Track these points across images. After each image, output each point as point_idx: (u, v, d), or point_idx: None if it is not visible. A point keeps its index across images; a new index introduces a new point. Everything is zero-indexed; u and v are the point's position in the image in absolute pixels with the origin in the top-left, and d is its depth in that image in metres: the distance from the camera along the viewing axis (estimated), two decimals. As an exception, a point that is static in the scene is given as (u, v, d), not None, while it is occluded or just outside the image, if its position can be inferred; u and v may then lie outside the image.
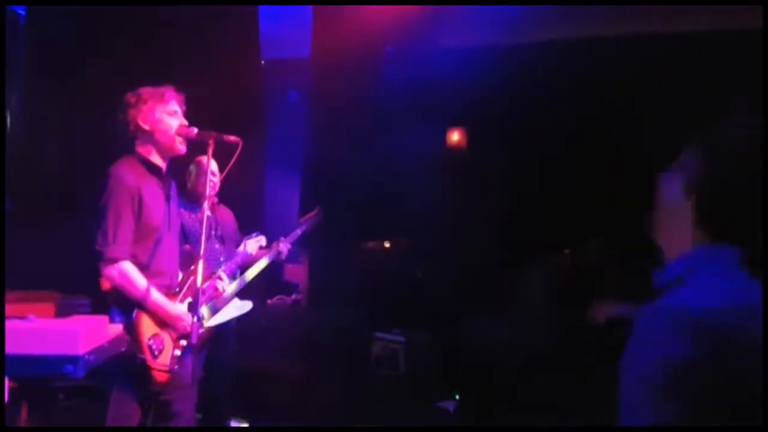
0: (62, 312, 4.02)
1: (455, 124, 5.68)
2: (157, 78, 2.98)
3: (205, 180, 3.28)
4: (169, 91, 2.89)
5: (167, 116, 2.86)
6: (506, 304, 5.10)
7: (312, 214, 4.16)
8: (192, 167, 3.87)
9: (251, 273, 3.74)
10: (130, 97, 2.86)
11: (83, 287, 3.87)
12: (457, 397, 4.44)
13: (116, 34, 4.13)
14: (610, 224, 4.73)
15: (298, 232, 4.05)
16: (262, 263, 3.84)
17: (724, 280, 1.10)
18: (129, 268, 2.75)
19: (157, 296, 2.80)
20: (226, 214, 4.04)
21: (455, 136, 5.72)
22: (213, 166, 3.63)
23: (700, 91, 4.49)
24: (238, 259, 3.71)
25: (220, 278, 3.38)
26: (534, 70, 5.01)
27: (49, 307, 3.91)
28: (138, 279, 2.75)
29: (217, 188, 3.79)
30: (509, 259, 5.17)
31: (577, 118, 4.96)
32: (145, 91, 2.87)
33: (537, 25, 5.02)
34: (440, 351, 4.91)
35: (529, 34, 5.11)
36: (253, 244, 3.85)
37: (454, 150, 5.74)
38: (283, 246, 3.95)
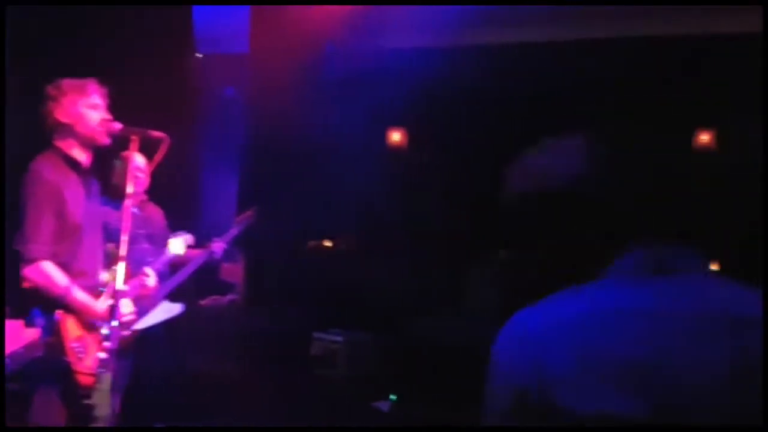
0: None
1: (396, 123, 5.67)
2: (85, 72, 2.87)
3: (130, 173, 3.20)
4: (92, 84, 2.80)
5: (88, 109, 2.76)
6: (446, 304, 5.11)
7: (247, 214, 4.08)
8: (117, 162, 3.71)
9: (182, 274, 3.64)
10: (51, 90, 2.77)
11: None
12: (393, 397, 4.42)
13: (44, 27, 3.95)
14: (554, 224, 4.76)
15: (234, 232, 3.96)
16: (193, 264, 3.74)
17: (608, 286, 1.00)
18: (49, 267, 2.65)
19: (80, 296, 2.71)
20: (155, 213, 3.90)
21: (396, 136, 5.70)
22: (139, 161, 3.51)
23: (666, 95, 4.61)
24: (165, 259, 3.59)
25: (146, 275, 3.27)
26: (477, 71, 5.04)
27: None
28: (59, 279, 2.66)
29: (145, 185, 3.66)
30: (449, 259, 5.18)
31: (523, 118, 5.00)
32: (66, 83, 2.78)
33: (481, 26, 5.05)
34: (379, 351, 4.89)
35: (472, 35, 5.13)
36: (178, 243, 3.71)
37: (396, 149, 5.73)
38: (217, 247, 3.85)
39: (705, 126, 4.82)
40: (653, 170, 1.04)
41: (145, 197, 3.75)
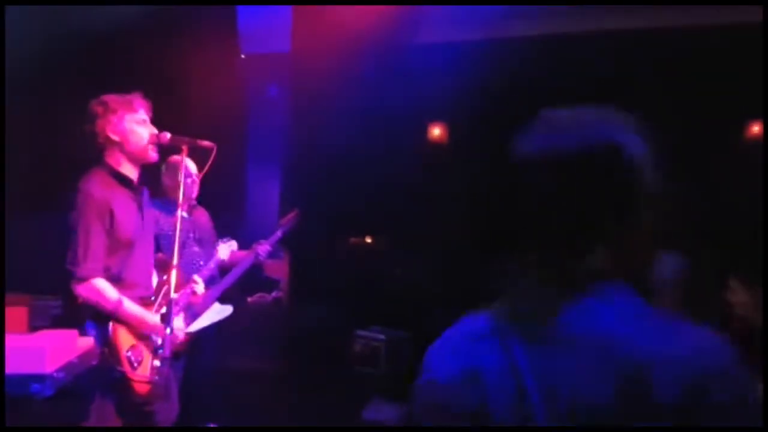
0: (36, 315, 3.95)
1: (437, 120, 5.62)
2: (131, 79, 2.90)
3: (181, 180, 3.29)
4: (137, 99, 2.81)
5: (137, 126, 2.79)
6: (488, 302, 5.07)
7: (291, 215, 4.10)
8: (165, 167, 3.77)
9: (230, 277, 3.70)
10: (97, 107, 2.77)
11: (55, 287, 3.78)
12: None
13: (84, 34, 3.97)
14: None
15: (278, 234, 4.00)
16: (241, 267, 3.79)
17: None
18: (101, 284, 2.70)
19: (132, 308, 2.76)
20: (202, 215, 3.97)
21: (437, 133, 5.66)
22: (191, 167, 3.57)
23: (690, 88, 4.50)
24: (212, 265, 3.65)
25: (195, 282, 3.33)
26: (518, 65, 4.96)
27: (22, 311, 3.83)
28: (110, 294, 2.71)
29: (195, 190, 3.71)
30: (491, 256, 5.13)
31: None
32: (112, 99, 2.78)
33: (520, 19, 4.97)
34: (421, 349, 4.89)
35: (512, 28, 5.05)
36: (225, 249, 3.79)
37: (437, 146, 5.69)
38: (262, 249, 3.90)
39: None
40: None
41: (194, 201, 3.81)
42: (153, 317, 2.82)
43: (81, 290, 2.69)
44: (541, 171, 1.02)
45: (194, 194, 3.71)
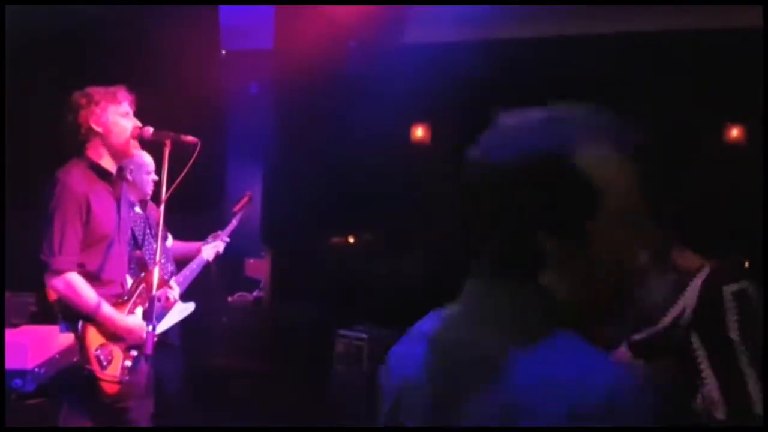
0: (13, 311, 3.87)
1: (419, 119, 5.63)
2: (111, 73, 2.86)
3: (147, 178, 3.25)
4: (121, 92, 2.76)
5: (120, 118, 2.74)
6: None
7: (244, 201, 3.96)
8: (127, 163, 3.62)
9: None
10: (80, 98, 2.71)
11: (32, 283, 3.68)
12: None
13: (65, 27, 3.90)
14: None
15: (234, 223, 3.86)
16: (200, 263, 3.66)
17: None
18: (75, 279, 2.63)
19: (105, 309, 2.68)
20: (154, 211, 3.85)
21: (419, 132, 5.67)
22: (150, 163, 3.46)
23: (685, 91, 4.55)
24: (194, 266, 3.55)
25: (170, 287, 3.24)
26: (500, 66, 4.98)
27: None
28: (85, 291, 2.64)
29: (152, 185, 3.57)
30: (474, 254, 5.15)
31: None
32: (96, 91, 2.73)
33: (503, 21, 4.99)
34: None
35: (495, 30, 5.08)
36: (210, 249, 3.68)
37: (419, 145, 5.70)
38: (221, 241, 3.78)
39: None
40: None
41: (146, 197, 3.66)
42: (128, 319, 2.75)
43: (55, 283, 2.61)
44: (479, 179, 0.96)
45: (150, 190, 3.56)
